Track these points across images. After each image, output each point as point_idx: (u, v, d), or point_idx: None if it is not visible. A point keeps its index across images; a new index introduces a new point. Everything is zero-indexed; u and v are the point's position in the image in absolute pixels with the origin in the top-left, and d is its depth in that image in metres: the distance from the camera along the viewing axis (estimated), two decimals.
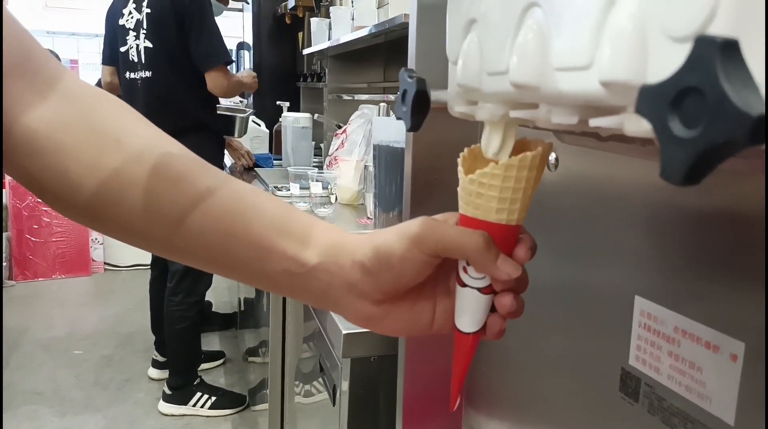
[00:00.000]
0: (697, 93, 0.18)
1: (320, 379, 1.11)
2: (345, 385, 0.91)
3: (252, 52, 3.62)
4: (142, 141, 0.38)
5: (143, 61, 2.08)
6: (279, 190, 1.99)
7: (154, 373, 2.44)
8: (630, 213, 0.42)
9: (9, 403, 2.20)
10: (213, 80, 2.04)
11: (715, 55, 0.17)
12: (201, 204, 0.37)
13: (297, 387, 1.43)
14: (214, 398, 2.22)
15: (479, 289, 0.35)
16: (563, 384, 0.51)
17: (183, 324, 2.16)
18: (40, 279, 3.54)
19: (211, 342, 2.77)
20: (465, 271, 0.35)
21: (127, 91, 2.13)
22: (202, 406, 2.20)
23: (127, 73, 2.12)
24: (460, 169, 0.35)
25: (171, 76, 2.08)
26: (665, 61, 0.21)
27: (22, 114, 0.35)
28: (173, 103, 2.08)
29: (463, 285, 0.35)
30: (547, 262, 0.52)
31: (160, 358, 2.41)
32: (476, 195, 0.33)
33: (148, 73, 2.09)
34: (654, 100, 0.19)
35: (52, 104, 0.37)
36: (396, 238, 0.35)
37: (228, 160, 2.64)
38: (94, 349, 2.69)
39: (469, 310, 0.36)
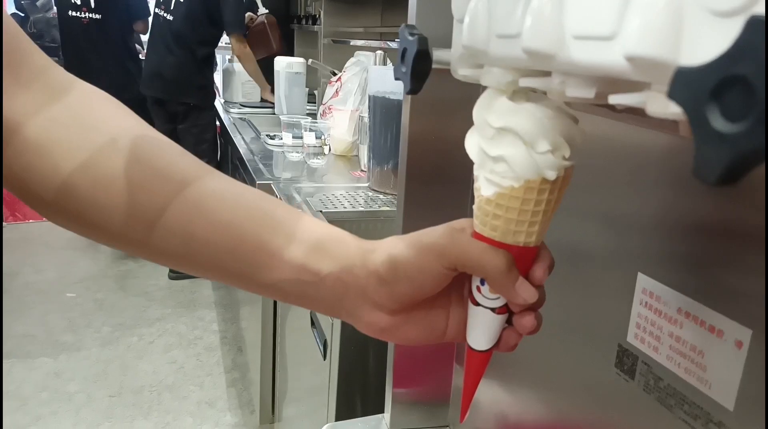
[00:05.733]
0: (743, 83, 0.16)
1: (311, 330, 1.12)
2: (336, 343, 0.91)
3: None
4: (138, 140, 0.35)
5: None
6: (271, 138, 1.95)
7: None
8: (640, 185, 0.40)
9: None
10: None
11: (765, 41, 0.15)
12: (206, 209, 0.34)
13: (288, 336, 1.44)
14: None
15: (493, 309, 0.33)
16: (557, 354, 0.51)
17: None
18: (30, 221, 3.51)
19: (203, 284, 2.79)
20: (479, 290, 0.33)
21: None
22: None
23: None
24: (476, 185, 0.32)
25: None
26: (703, 38, 0.18)
27: (8, 109, 0.33)
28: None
29: (476, 304, 0.34)
30: (549, 229, 0.50)
31: None
32: (493, 216, 0.31)
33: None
34: (691, 86, 0.17)
35: (40, 99, 0.34)
36: (414, 249, 0.33)
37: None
38: (87, 293, 2.70)
39: (481, 329, 0.34)
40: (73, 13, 2.72)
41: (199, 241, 0.34)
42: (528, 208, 0.30)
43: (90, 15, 2.73)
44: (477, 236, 0.33)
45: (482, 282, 0.33)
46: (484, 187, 0.32)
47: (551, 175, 0.30)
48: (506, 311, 0.33)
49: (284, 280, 0.35)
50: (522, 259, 0.32)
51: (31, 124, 0.33)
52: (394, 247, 0.34)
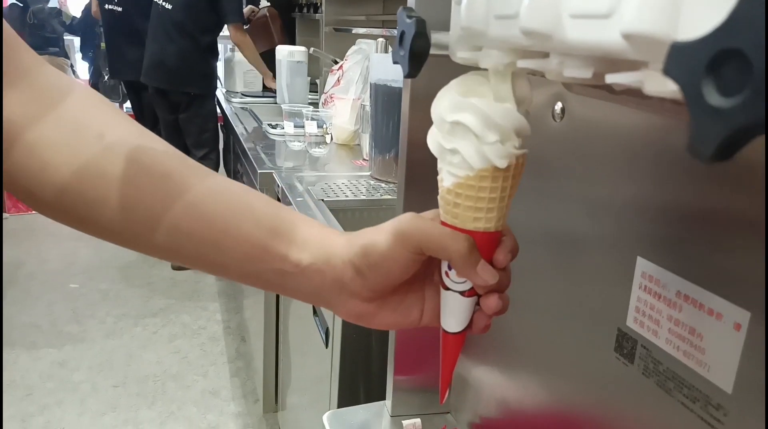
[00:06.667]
0: (739, 57, 0.15)
1: (313, 319, 1.12)
2: (338, 331, 0.91)
3: None
4: (125, 137, 0.36)
5: None
6: (273, 127, 1.95)
7: None
8: (638, 170, 0.40)
9: (6, 336, 2.23)
10: None
11: (763, 12, 0.15)
12: (190, 204, 0.35)
13: (290, 325, 1.44)
14: None
15: (461, 293, 0.35)
16: (557, 338, 0.51)
17: None
18: (33, 212, 3.52)
19: (207, 275, 2.80)
20: (447, 274, 0.35)
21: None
22: None
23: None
24: (439, 177, 0.35)
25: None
26: (701, 14, 0.18)
27: None
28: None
29: (446, 288, 0.36)
30: (549, 214, 0.50)
31: None
32: (453, 205, 0.34)
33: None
34: (687, 61, 0.17)
35: (26, 99, 0.34)
36: (382, 236, 0.35)
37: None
38: (91, 283, 2.71)
39: (452, 312, 0.36)
40: (109, 6, 3.01)
41: (185, 234, 0.35)
42: (484, 195, 0.33)
43: (117, 8, 3.00)
44: (443, 224, 0.35)
45: (450, 267, 0.35)
46: (445, 179, 0.34)
47: (502, 163, 0.32)
48: (474, 294, 0.35)
49: (266, 270, 0.36)
50: (484, 244, 0.34)
51: (18, 125, 0.33)
52: (366, 236, 0.35)
